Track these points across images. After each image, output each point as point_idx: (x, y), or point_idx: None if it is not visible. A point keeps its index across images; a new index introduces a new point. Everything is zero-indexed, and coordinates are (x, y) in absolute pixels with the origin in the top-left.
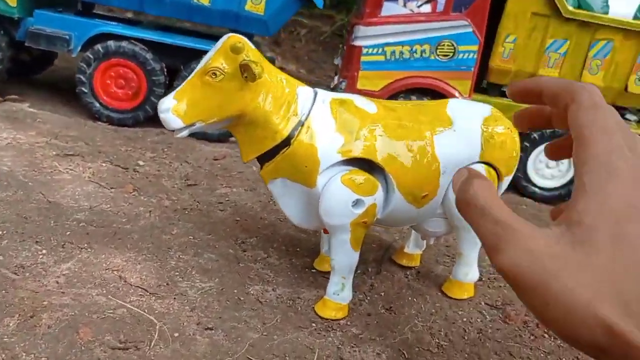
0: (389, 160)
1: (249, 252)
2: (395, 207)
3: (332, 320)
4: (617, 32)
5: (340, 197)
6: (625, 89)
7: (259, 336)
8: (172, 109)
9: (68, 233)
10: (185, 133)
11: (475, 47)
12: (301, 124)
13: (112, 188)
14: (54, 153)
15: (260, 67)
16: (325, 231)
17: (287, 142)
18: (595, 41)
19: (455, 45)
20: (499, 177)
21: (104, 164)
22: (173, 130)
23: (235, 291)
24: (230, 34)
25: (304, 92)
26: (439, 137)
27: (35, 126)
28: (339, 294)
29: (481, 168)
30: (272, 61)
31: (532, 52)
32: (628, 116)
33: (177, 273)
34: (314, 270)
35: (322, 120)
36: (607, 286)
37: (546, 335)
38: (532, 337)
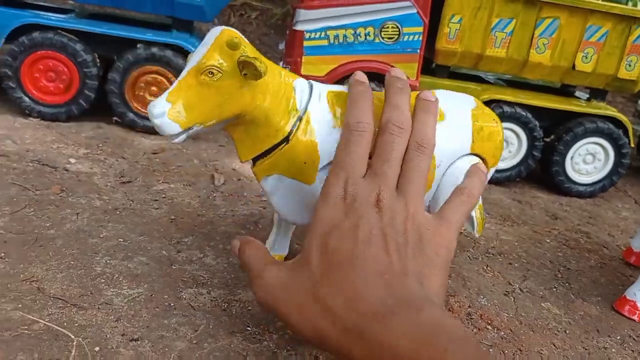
0: None
1: (184, 252)
2: None
3: (268, 323)
4: (563, 9)
5: None
6: (573, 67)
7: (187, 345)
8: (167, 113)
9: None
10: (182, 138)
11: (420, 29)
12: (299, 118)
13: (37, 190)
14: None
15: (263, 64)
16: None
17: (286, 138)
18: (541, 19)
19: (399, 27)
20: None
21: (30, 164)
22: (167, 137)
23: (166, 297)
24: (224, 28)
25: (300, 84)
26: None
27: None
28: None
29: (472, 158)
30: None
31: (479, 32)
32: (578, 94)
33: (102, 280)
34: None
35: (320, 115)
36: (311, 297)
37: (489, 327)
38: (475, 330)
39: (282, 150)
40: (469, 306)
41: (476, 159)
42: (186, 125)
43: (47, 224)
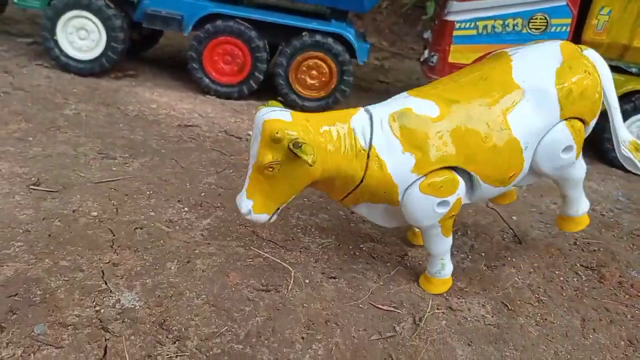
0: (467, 160)
1: (357, 214)
2: (483, 192)
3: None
4: None
5: (423, 205)
6: None
7: (376, 285)
8: (253, 210)
9: (203, 194)
10: (274, 218)
11: (568, 20)
12: (368, 156)
13: (231, 155)
14: (176, 124)
15: (311, 154)
16: None
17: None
18: None
19: (548, 18)
20: (585, 125)
21: (219, 134)
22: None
23: (350, 247)
24: (265, 119)
25: (359, 121)
26: (513, 115)
27: (154, 100)
28: (440, 272)
29: (563, 126)
30: (363, 36)
31: (627, 24)
32: None
33: (299, 230)
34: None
35: (386, 145)
36: None
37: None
38: (627, 296)
39: (360, 188)
40: (620, 276)
41: (565, 125)
42: (272, 210)
43: None
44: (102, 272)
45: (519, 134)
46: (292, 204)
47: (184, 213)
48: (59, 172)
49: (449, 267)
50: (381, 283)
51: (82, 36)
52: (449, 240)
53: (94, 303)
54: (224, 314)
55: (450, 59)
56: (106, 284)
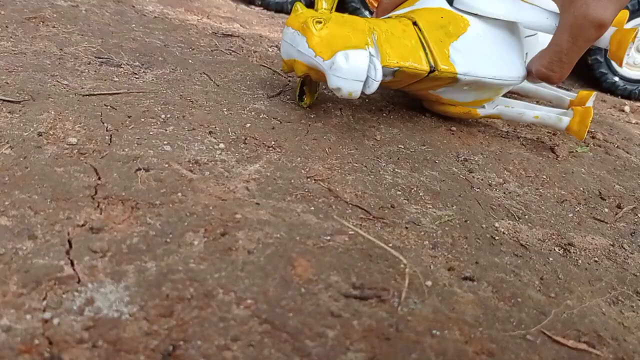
0: None
1: (477, 174)
2: None
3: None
4: None
5: None
6: None
7: (545, 299)
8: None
9: (248, 125)
10: (378, 72)
11: None
12: None
13: (289, 75)
14: (210, 32)
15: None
16: None
17: None
18: None
19: None
20: None
21: (270, 49)
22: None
23: (483, 225)
24: None
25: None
26: None
27: (181, 2)
28: None
29: None
30: None
31: None
32: None
33: (399, 192)
34: (577, 209)
35: None
36: None
37: None
38: None
39: None
40: None
41: None
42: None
43: (312, 115)
44: (69, 242)
45: None
46: (383, 152)
47: (219, 152)
48: (29, 76)
49: None
50: (551, 295)
51: None
52: None
53: (44, 304)
54: (287, 339)
55: None
56: (72, 265)
